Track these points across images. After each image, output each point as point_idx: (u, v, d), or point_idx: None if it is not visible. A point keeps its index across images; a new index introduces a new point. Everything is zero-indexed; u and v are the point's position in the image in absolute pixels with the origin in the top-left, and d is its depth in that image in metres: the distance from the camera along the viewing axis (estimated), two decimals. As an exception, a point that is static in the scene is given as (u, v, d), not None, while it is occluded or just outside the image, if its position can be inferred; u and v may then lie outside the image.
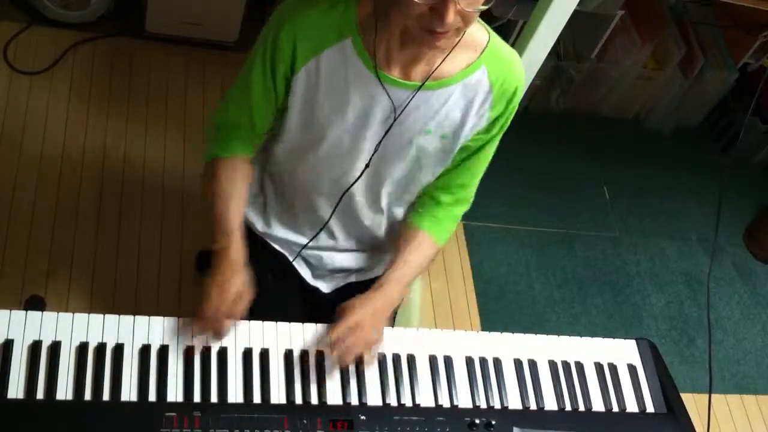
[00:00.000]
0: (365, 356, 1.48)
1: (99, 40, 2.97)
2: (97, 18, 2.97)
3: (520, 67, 1.52)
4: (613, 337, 1.69)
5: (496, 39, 1.50)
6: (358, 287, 1.82)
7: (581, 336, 1.66)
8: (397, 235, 1.69)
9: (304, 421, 1.38)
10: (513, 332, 1.62)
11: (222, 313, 1.45)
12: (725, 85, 3.41)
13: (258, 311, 1.55)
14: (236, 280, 1.49)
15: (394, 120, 1.48)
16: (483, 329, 2.55)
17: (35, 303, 2.29)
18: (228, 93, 1.59)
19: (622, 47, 3.21)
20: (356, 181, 1.59)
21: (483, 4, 1.29)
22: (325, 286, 1.82)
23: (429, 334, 1.57)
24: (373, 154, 1.54)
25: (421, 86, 1.44)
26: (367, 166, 1.56)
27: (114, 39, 2.99)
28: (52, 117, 2.74)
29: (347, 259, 1.80)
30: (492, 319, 2.68)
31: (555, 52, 3.17)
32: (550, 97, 3.36)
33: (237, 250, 1.52)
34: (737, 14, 3.28)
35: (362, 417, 1.42)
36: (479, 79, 1.47)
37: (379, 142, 1.52)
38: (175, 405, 1.36)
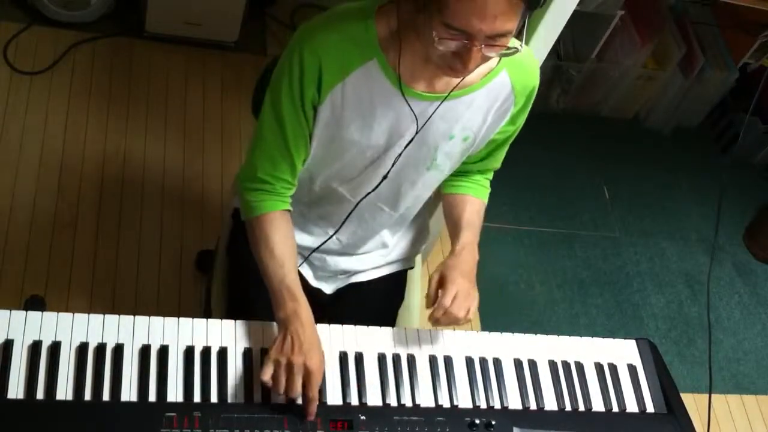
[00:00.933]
0: (464, 318, 1.52)
1: (99, 40, 2.97)
2: (97, 18, 2.97)
3: (536, 65, 1.55)
4: (613, 337, 1.68)
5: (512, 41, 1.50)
6: (359, 287, 1.82)
7: (581, 336, 1.66)
8: (447, 205, 1.73)
9: (304, 421, 1.38)
10: (513, 332, 1.62)
11: (296, 362, 1.38)
12: (725, 85, 3.41)
13: (259, 312, 1.55)
14: (310, 331, 1.44)
15: (416, 132, 1.49)
16: (483, 329, 2.54)
17: (35, 303, 2.28)
18: (252, 149, 1.54)
19: (622, 47, 3.21)
20: (374, 189, 1.59)
21: (505, 50, 1.29)
22: (327, 288, 1.82)
23: (429, 334, 1.57)
24: (393, 164, 1.54)
25: (444, 98, 1.45)
26: (385, 177, 1.56)
27: (114, 39, 2.99)
28: (52, 117, 2.74)
29: (351, 262, 1.79)
30: (492, 319, 2.68)
31: (555, 52, 3.17)
32: (550, 97, 3.36)
33: (307, 310, 1.46)
34: (737, 14, 3.28)
35: (362, 417, 1.42)
36: (502, 82, 1.49)
37: (400, 154, 1.52)
38: (175, 405, 1.36)
